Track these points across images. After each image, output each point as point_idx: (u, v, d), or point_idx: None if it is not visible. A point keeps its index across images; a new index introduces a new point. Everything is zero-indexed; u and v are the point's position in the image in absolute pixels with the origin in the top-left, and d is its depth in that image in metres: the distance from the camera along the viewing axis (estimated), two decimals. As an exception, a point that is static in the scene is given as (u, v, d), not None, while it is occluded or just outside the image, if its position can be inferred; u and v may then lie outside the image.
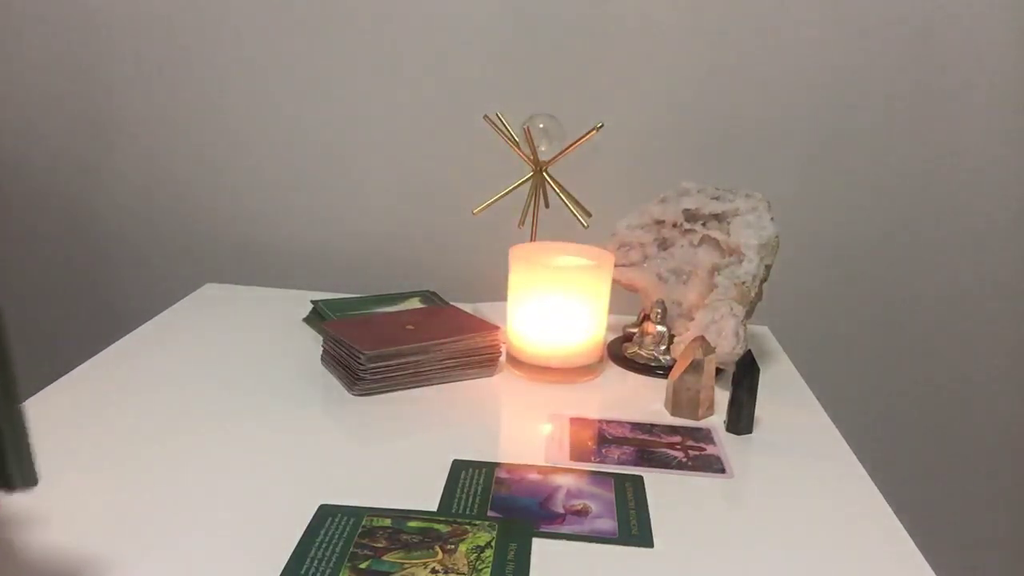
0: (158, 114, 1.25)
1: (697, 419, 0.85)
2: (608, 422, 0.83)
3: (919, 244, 1.23)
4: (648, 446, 0.79)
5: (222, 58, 1.22)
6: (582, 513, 0.67)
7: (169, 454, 0.73)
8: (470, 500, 0.68)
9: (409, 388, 0.88)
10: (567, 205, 1.02)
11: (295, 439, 0.77)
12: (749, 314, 0.94)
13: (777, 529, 0.66)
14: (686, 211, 1.01)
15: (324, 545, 0.60)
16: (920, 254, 1.23)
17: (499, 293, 1.00)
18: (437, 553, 0.60)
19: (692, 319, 0.95)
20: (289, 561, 0.58)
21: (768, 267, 0.95)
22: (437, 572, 0.58)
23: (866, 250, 1.23)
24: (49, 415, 0.78)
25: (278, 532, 0.62)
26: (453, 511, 0.66)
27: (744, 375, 0.81)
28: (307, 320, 1.06)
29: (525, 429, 0.83)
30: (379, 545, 0.60)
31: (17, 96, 1.26)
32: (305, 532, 0.62)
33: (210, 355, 0.95)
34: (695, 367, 0.84)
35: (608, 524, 0.65)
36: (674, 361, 0.91)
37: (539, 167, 1.02)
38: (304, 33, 1.20)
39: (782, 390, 0.93)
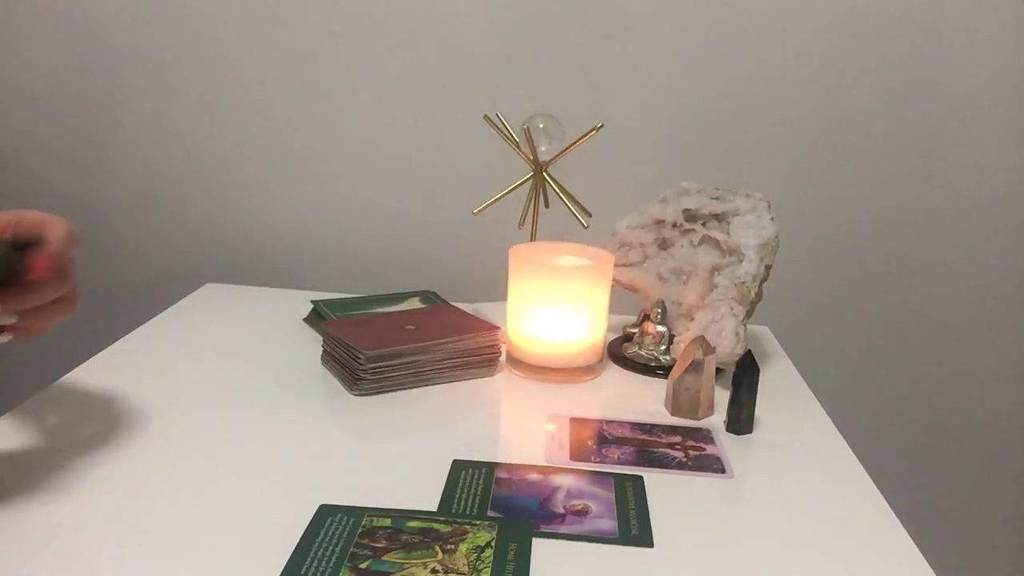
0: (158, 114, 1.25)
1: (697, 419, 0.85)
2: (608, 422, 0.83)
3: (919, 244, 1.23)
4: (648, 446, 0.79)
5: (223, 59, 1.22)
6: (582, 513, 0.67)
7: (169, 454, 0.73)
8: (470, 500, 0.68)
9: (409, 388, 0.88)
10: (567, 205, 1.02)
11: (295, 439, 0.77)
12: (749, 314, 0.94)
13: (777, 529, 0.66)
14: (686, 211, 1.01)
15: (324, 545, 0.60)
16: (921, 254, 1.23)
17: (499, 293, 1.00)
18: (437, 553, 0.60)
19: (692, 319, 0.95)
20: (289, 561, 0.58)
21: (768, 267, 0.95)
22: (437, 572, 0.58)
23: (866, 250, 1.23)
24: (49, 415, 0.78)
25: (278, 532, 0.62)
26: (453, 511, 0.66)
27: (744, 375, 0.81)
28: (307, 320, 1.06)
29: (525, 429, 0.83)
30: (379, 545, 0.60)
31: (19, 99, 1.26)
32: (305, 532, 0.62)
33: (210, 355, 0.95)
34: (695, 367, 0.84)
35: (608, 524, 0.65)
36: (674, 361, 0.91)
37: (539, 167, 1.02)
38: (303, 34, 1.20)
39: (782, 390, 0.93)
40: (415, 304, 1.07)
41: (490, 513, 0.66)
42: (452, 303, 1.05)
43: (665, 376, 0.91)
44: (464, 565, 0.58)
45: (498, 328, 0.94)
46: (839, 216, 1.22)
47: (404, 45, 1.20)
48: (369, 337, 0.88)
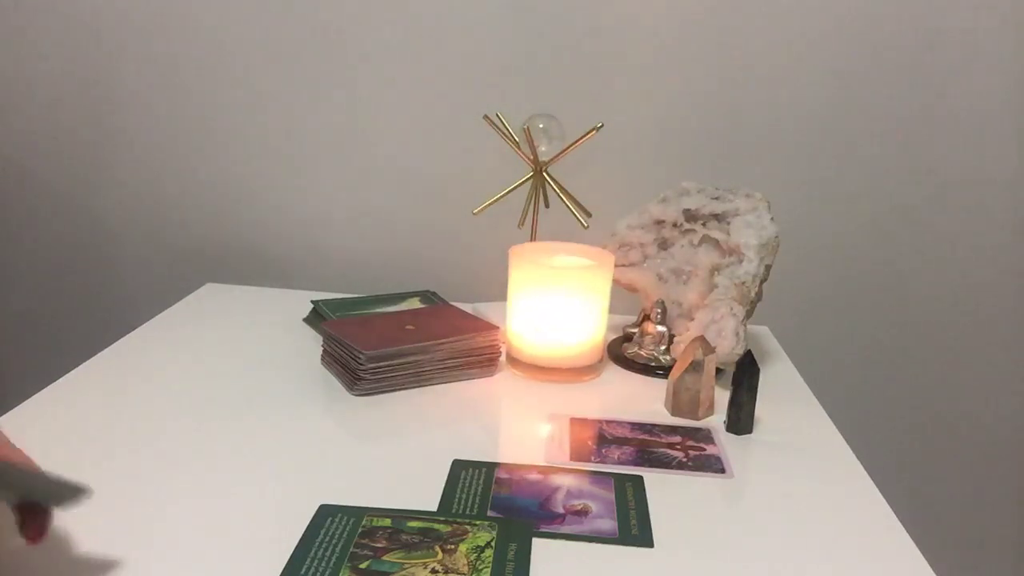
0: (158, 115, 1.25)
1: (697, 419, 0.85)
2: (608, 422, 0.83)
3: (919, 244, 1.23)
4: (648, 446, 0.79)
5: (223, 60, 1.22)
6: (582, 513, 0.67)
7: (169, 454, 0.73)
8: (470, 500, 0.68)
9: (409, 388, 0.88)
10: (567, 205, 1.02)
11: (295, 439, 0.77)
12: (749, 314, 0.94)
13: (777, 529, 0.66)
14: (686, 211, 1.01)
15: (324, 545, 0.60)
16: (920, 254, 1.23)
17: (499, 293, 1.00)
18: (437, 553, 0.60)
19: (692, 319, 0.95)
20: (289, 561, 0.58)
21: (768, 267, 0.95)
22: (437, 572, 0.58)
23: (866, 250, 1.23)
24: (50, 414, 0.78)
25: (278, 532, 0.62)
26: (453, 511, 0.66)
27: (744, 375, 0.81)
28: (307, 320, 1.06)
29: (525, 429, 0.83)
30: (379, 545, 0.60)
31: (22, 102, 1.26)
32: (305, 532, 0.62)
33: (210, 355, 0.95)
34: (695, 367, 0.84)
35: (608, 524, 0.65)
36: (674, 361, 0.91)
37: (539, 167, 1.02)
38: (303, 35, 1.20)
39: (782, 390, 0.93)
40: (415, 304, 1.07)
41: (490, 513, 0.66)
42: (452, 303, 1.05)
43: (665, 376, 0.91)
44: (464, 565, 0.58)
45: (498, 328, 0.94)
46: (839, 216, 1.22)
47: (404, 45, 1.20)
48: (369, 337, 0.88)
